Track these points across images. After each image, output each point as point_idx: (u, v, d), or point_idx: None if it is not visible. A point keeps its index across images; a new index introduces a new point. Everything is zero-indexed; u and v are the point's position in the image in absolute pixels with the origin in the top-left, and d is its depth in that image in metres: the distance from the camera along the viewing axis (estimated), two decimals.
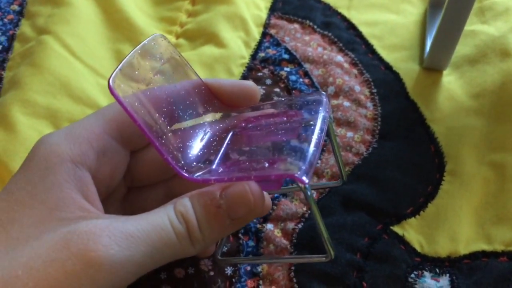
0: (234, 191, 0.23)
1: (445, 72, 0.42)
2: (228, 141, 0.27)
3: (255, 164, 0.24)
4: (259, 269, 0.31)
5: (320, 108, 0.26)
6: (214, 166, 0.25)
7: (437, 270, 0.31)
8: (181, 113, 0.26)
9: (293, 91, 0.40)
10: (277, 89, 0.40)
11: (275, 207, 0.34)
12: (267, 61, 0.43)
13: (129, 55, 0.24)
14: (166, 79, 0.27)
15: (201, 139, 0.27)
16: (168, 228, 0.21)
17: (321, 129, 0.25)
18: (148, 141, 0.23)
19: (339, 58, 0.42)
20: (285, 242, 0.32)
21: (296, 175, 0.22)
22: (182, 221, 0.22)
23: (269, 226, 0.33)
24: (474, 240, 0.32)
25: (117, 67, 0.23)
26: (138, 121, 0.23)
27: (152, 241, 0.21)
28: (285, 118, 0.27)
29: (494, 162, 0.35)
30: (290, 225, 0.33)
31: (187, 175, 0.24)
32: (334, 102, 0.39)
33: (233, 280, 0.30)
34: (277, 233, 0.32)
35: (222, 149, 0.27)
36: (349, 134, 0.37)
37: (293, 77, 0.41)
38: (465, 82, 0.41)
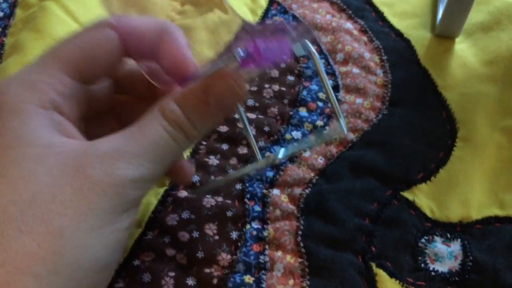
0: (221, 89, 0.24)
1: (457, 40, 0.40)
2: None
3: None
4: (265, 233, 0.30)
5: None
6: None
7: (448, 235, 0.30)
8: None
9: (301, 58, 0.39)
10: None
11: (281, 173, 0.33)
12: None
13: None
14: None
15: None
16: (168, 139, 0.23)
17: None
18: None
19: (348, 25, 0.41)
20: (291, 207, 0.31)
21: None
22: (177, 128, 0.23)
23: (276, 191, 0.32)
24: (486, 205, 0.31)
25: None
26: None
27: (158, 154, 0.22)
28: None
29: (507, 128, 0.34)
30: (297, 190, 0.32)
31: None
32: (343, 69, 0.38)
33: (239, 244, 0.30)
34: (284, 198, 0.32)
35: None
36: (359, 100, 0.36)
37: None
38: (478, 50, 0.39)
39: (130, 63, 0.27)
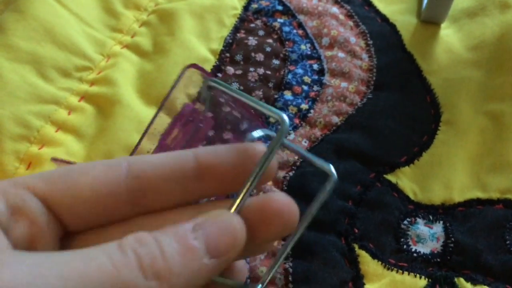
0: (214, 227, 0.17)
1: (443, 25, 0.40)
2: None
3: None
4: None
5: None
6: None
7: (431, 217, 0.30)
8: None
9: (286, 42, 0.39)
10: (269, 40, 0.39)
11: None
12: (260, 12, 0.41)
13: None
14: None
15: None
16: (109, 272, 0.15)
17: None
18: None
19: (334, 9, 0.41)
20: (275, 190, 0.31)
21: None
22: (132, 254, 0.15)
23: None
24: (469, 188, 0.31)
25: None
26: None
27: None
28: None
29: (491, 111, 0.34)
30: (281, 173, 0.32)
31: None
32: (329, 53, 0.38)
33: None
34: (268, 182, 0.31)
35: None
36: (344, 84, 0.36)
37: (286, 28, 0.40)
38: (464, 35, 0.39)
39: None
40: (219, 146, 0.20)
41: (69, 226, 0.19)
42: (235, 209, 0.18)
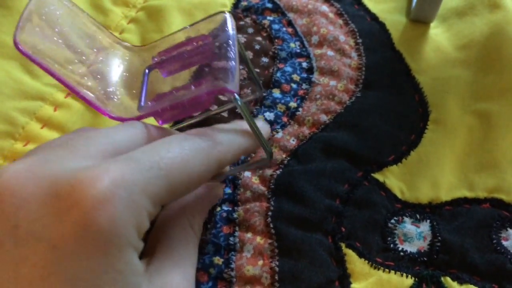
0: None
1: (432, 25, 0.40)
2: (146, 79, 0.27)
3: (183, 91, 0.24)
4: (235, 215, 0.30)
5: (226, 27, 0.26)
6: (142, 104, 0.26)
7: (418, 216, 0.30)
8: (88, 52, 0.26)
9: (276, 40, 0.39)
10: (259, 38, 0.39)
11: (253, 155, 0.32)
12: (249, 10, 0.41)
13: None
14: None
15: (118, 79, 0.26)
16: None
17: (234, 45, 0.25)
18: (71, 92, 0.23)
19: (324, 8, 0.41)
20: (262, 188, 0.31)
21: (226, 86, 0.23)
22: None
23: (247, 173, 0.32)
24: (456, 187, 0.31)
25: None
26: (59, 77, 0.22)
27: None
28: (195, 43, 0.27)
29: (478, 110, 0.34)
30: (268, 171, 0.31)
31: (116, 116, 0.24)
32: (318, 51, 0.38)
33: (208, 226, 0.29)
34: (255, 180, 0.31)
35: (144, 87, 0.26)
36: (332, 83, 0.36)
37: (276, 26, 0.40)
38: (452, 34, 0.39)
39: None
40: None
41: None
42: None
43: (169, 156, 0.21)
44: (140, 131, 0.23)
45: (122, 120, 0.25)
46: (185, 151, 0.21)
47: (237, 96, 0.23)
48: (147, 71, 0.27)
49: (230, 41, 0.25)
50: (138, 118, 0.25)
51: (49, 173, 0.19)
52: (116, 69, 0.27)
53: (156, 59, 0.27)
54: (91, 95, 0.24)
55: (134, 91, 0.27)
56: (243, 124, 0.26)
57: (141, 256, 0.21)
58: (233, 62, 0.24)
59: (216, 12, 0.27)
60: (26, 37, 0.22)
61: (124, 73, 0.27)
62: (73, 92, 0.23)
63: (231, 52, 0.24)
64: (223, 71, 0.24)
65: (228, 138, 0.24)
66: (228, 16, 0.26)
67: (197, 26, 0.28)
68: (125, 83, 0.27)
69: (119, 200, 0.18)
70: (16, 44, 0.22)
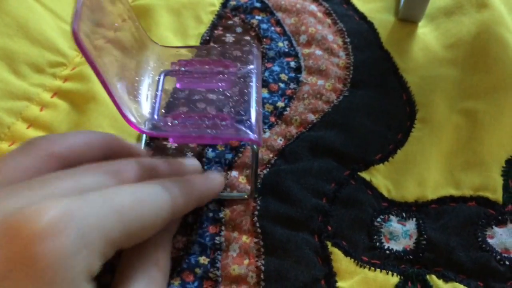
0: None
1: (420, 24, 0.40)
2: (162, 84, 0.27)
3: (206, 120, 0.25)
4: (221, 215, 0.30)
5: (253, 61, 0.27)
6: (155, 116, 0.26)
7: (404, 215, 0.30)
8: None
9: (264, 39, 0.39)
10: (247, 37, 0.39)
11: (240, 155, 0.32)
12: (238, 9, 0.41)
13: None
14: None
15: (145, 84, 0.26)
16: None
17: (259, 85, 0.27)
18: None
19: (313, 7, 0.41)
20: (249, 188, 0.31)
21: (254, 138, 0.25)
22: None
23: (234, 173, 0.32)
24: (442, 185, 0.31)
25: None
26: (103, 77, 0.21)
27: None
28: (220, 68, 0.28)
29: (465, 109, 0.34)
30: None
31: (144, 129, 0.24)
32: (306, 50, 0.38)
33: (194, 226, 0.29)
34: (242, 179, 0.31)
35: (159, 93, 0.27)
36: (320, 82, 0.36)
37: (264, 26, 0.40)
38: (440, 34, 0.40)
39: None
40: None
41: None
42: None
43: (123, 200, 0.21)
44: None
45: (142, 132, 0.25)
46: (138, 199, 0.22)
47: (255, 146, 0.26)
48: (163, 75, 0.27)
49: (253, 76, 0.27)
50: (151, 134, 0.25)
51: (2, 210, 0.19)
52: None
53: (176, 66, 0.27)
54: (122, 97, 0.23)
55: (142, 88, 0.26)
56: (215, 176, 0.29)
57: None
58: (255, 107, 0.25)
59: (246, 42, 0.27)
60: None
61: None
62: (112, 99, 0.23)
63: (255, 95, 0.26)
64: (246, 111, 0.25)
65: (188, 191, 0.25)
66: (255, 49, 0.28)
67: (224, 49, 0.29)
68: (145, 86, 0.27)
69: (65, 233, 0.18)
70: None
